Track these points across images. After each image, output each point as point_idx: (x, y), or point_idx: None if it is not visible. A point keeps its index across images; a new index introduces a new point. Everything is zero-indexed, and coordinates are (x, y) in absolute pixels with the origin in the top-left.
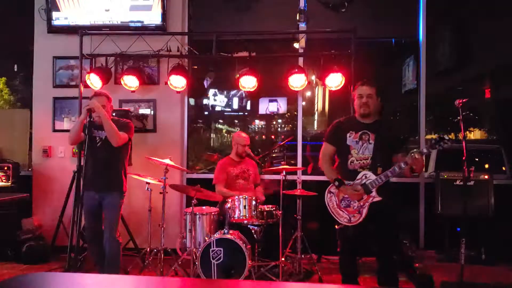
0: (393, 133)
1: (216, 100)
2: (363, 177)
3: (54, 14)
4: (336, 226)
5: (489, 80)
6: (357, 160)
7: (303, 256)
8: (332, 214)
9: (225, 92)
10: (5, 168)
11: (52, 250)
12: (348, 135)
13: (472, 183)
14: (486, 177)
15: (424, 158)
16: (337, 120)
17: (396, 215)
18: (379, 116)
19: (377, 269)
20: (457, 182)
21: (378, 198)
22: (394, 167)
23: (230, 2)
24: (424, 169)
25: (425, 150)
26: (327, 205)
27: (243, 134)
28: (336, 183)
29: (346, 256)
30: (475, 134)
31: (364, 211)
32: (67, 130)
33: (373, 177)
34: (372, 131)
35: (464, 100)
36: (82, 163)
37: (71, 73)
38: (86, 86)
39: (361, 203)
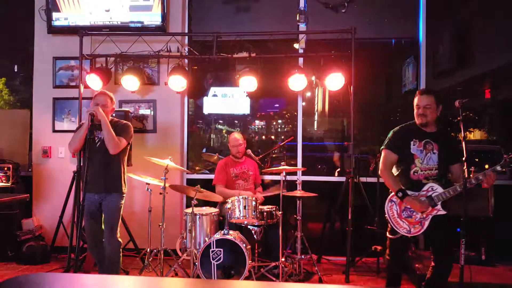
0: (453, 143)
1: (216, 100)
2: (430, 189)
3: (54, 15)
4: (388, 235)
5: (489, 81)
6: (421, 170)
7: (303, 256)
8: (391, 223)
9: (225, 92)
10: (5, 168)
11: (52, 251)
12: (412, 143)
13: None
14: None
15: (496, 175)
16: (398, 126)
17: (450, 224)
18: (439, 124)
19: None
20: None
21: (442, 212)
22: (466, 181)
23: (230, 3)
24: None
25: (498, 168)
26: (386, 213)
27: (235, 135)
28: (400, 194)
29: (395, 261)
30: (475, 135)
31: (426, 223)
32: (67, 131)
33: (440, 190)
34: (435, 140)
35: (464, 101)
36: (82, 164)
37: (71, 74)
38: (86, 86)
39: (424, 215)
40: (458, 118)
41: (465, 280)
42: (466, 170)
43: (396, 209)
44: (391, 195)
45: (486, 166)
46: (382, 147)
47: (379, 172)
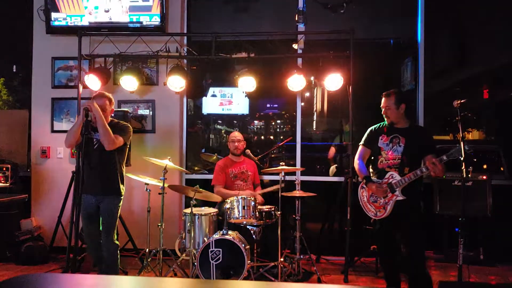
0: (424, 137)
1: (215, 101)
2: (390, 176)
3: (53, 15)
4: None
5: (488, 81)
6: (385, 160)
7: (302, 256)
8: (362, 207)
9: (224, 93)
10: (4, 168)
11: (51, 251)
12: (380, 137)
13: (470, 183)
14: (484, 177)
15: (443, 164)
16: (374, 125)
17: (419, 215)
18: (410, 120)
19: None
20: (456, 183)
21: (401, 197)
22: (416, 170)
23: (229, 3)
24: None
25: (444, 158)
26: (359, 199)
27: (235, 132)
28: (364, 180)
29: (381, 256)
30: (474, 135)
31: (389, 207)
32: (66, 131)
33: (398, 177)
34: (403, 135)
35: (462, 101)
36: (80, 164)
37: (70, 74)
38: (85, 86)
39: (386, 200)
40: (457, 118)
41: (464, 279)
42: (464, 170)
43: (366, 195)
44: (362, 182)
45: (485, 166)
46: (360, 143)
47: (354, 162)
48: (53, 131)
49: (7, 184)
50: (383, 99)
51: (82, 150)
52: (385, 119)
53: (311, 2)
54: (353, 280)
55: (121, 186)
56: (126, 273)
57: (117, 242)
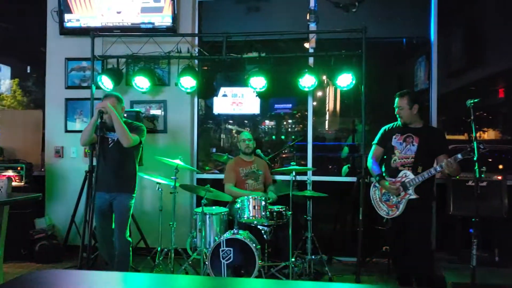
0: (437, 137)
1: (225, 100)
2: (403, 175)
3: (66, 16)
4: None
5: (503, 79)
6: (399, 159)
7: (313, 256)
8: (374, 206)
9: (235, 92)
10: (19, 168)
11: (65, 249)
12: (394, 137)
13: (485, 183)
14: (499, 178)
15: (458, 163)
16: (388, 125)
17: (429, 215)
18: (423, 120)
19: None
20: (469, 183)
21: (414, 196)
22: (430, 169)
23: (240, 3)
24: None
25: (459, 156)
26: (371, 197)
27: (247, 132)
28: (377, 178)
29: (393, 256)
30: (489, 134)
31: (401, 206)
32: (79, 131)
33: (411, 176)
34: (417, 134)
35: (476, 100)
36: (94, 164)
37: (83, 75)
38: (98, 87)
39: (399, 199)
40: (471, 118)
41: (477, 281)
42: (478, 170)
43: (379, 194)
44: (374, 181)
45: (501, 167)
46: (373, 142)
47: (367, 161)
48: (66, 131)
49: (22, 183)
50: (396, 99)
51: (98, 149)
52: (399, 118)
53: (323, 1)
54: (365, 281)
55: (134, 183)
56: (138, 272)
57: (129, 238)
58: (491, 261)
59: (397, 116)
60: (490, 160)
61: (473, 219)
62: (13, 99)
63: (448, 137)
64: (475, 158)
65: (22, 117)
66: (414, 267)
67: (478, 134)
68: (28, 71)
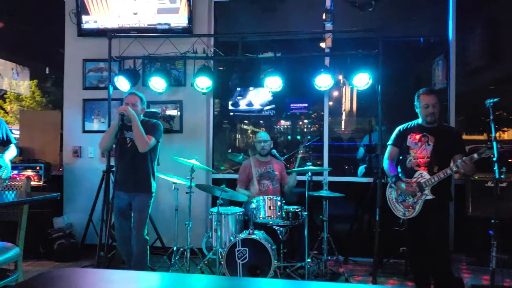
0: (453, 136)
1: (241, 101)
2: (419, 175)
3: (84, 18)
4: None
5: None
6: (414, 159)
7: (329, 257)
8: (390, 207)
9: (250, 92)
10: (37, 168)
11: (82, 248)
12: (409, 137)
13: (505, 184)
14: None
15: (473, 163)
16: (403, 125)
17: (446, 215)
18: (439, 119)
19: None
20: (489, 184)
21: (430, 197)
22: (446, 169)
23: (256, 3)
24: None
25: (475, 156)
26: (387, 198)
27: (261, 132)
28: (394, 178)
29: (410, 257)
30: (509, 134)
31: (417, 207)
32: (97, 131)
33: (427, 176)
34: (433, 134)
35: (495, 100)
36: (111, 164)
37: (101, 75)
38: (115, 88)
39: (415, 200)
40: (491, 118)
41: (497, 284)
42: (498, 170)
43: (394, 194)
44: (390, 182)
45: None
46: (388, 143)
47: (383, 162)
48: (84, 131)
49: (41, 183)
50: (428, 96)
51: (116, 150)
52: (428, 118)
53: (339, 0)
54: (382, 282)
55: (153, 183)
56: (154, 271)
57: (147, 237)
58: (511, 264)
59: (429, 113)
60: (510, 160)
61: (492, 221)
62: (32, 99)
63: (466, 137)
64: (494, 159)
65: (40, 117)
66: (432, 268)
67: (497, 134)
68: (47, 72)
